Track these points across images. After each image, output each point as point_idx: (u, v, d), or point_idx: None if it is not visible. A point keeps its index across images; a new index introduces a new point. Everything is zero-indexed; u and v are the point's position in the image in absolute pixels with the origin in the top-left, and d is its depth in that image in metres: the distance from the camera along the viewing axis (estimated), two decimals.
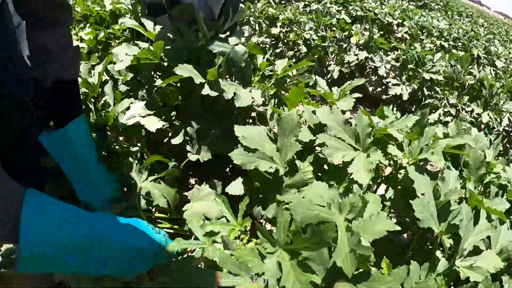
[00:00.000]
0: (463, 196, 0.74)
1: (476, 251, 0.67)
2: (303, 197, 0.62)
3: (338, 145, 0.71)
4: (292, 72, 1.22)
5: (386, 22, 2.48)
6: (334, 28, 2.23)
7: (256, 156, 0.71)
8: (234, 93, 0.83)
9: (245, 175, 0.79)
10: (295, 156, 0.75)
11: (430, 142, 0.74)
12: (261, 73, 1.09)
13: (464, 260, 0.64)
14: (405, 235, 0.90)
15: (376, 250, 0.67)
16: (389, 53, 2.26)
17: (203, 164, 0.86)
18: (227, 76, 0.91)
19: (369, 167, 0.65)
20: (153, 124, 0.81)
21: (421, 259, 0.68)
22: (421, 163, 0.83)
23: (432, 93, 2.04)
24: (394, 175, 0.77)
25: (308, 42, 2.08)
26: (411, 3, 7.30)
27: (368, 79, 2.35)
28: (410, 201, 0.61)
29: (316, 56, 2.13)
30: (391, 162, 0.79)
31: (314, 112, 0.79)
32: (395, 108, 2.28)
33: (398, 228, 0.58)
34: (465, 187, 0.73)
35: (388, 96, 2.20)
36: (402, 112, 2.28)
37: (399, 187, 0.75)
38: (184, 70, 0.80)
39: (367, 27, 2.60)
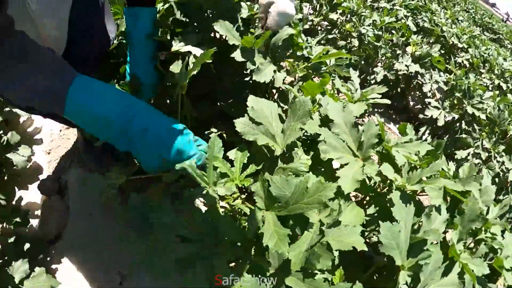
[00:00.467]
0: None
1: None
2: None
3: (338, 145, 0.69)
4: (330, 60, 1.18)
5: (451, 42, 2.33)
6: (393, 31, 2.11)
7: (259, 129, 0.70)
8: (258, 66, 0.81)
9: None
10: (296, 143, 0.73)
11: (433, 175, 0.71)
12: (296, 53, 1.06)
13: None
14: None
15: (342, 259, 0.67)
16: (441, 74, 2.14)
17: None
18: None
19: (358, 178, 0.63)
20: (199, 52, 0.82)
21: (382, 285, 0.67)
22: (418, 192, 0.80)
23: (470, 129, 1.94)
24: (384, 194, 0.75)
25: (362, 37, 1.99)
26: (485, 33, 6.80)
27: (412, 93, 2.25)
28: (380, 222, 0.59)
29: (365, 53, 2.05)
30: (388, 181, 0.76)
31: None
32: (427, 131, 2.19)
33: (365, 248, 0.56)
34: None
35: (425, 116, 2.10)
36: (433, 137, 2.19)
37: (383, 207, 0.73)
38: (223, 27, 0.79)
39: (431, 41, 2.46)
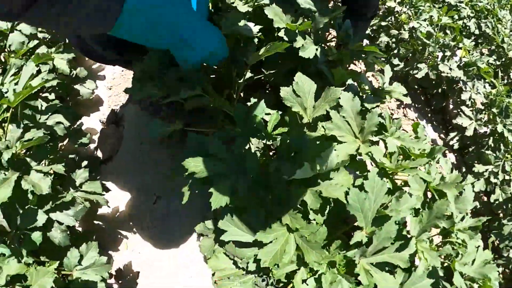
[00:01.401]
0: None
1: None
2: None
3: (342, 126, 0.85)
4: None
5: (509, 56, 2.29)
6: (448, 31, 2.12)
7: (296, 100, 0.90)
8: (302, 45, 0.98)
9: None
10: (321, 118, 0.92)
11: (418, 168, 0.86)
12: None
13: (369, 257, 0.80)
14: None
15: (328, 219, 0.86)
16: (486, 85, 2.15)
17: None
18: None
19: (350, 152, 0.80)
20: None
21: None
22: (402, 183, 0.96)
23: (496, 146, 1.98)
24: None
25: (413, 31, 2.03)
26: None
27: (454, 96, 2.27)
28: (351, 187, 0.76)
29: (413, 48, 2.09)
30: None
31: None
32: (456, 138, 2.23)
33: (345, 201, 0.75)
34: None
35: (457, 123, 2.15)
36: (461, 145, 2.23)
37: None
38: (272, 11, 0.96)
39: (492, 48, 2.42)
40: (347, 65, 1.21)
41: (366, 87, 1.05)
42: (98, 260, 1.13)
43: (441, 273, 1.02)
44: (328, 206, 0.84)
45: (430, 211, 0.83)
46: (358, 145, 0.83)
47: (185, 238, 1.38)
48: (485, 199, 2.32)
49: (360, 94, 1.02)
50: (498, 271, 1.08)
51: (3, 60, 1.44)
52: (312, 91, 0.92)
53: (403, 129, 2.10)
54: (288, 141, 0.83)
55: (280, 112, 0.97)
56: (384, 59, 1.24)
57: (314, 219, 0.79)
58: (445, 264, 1.09)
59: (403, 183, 1.03)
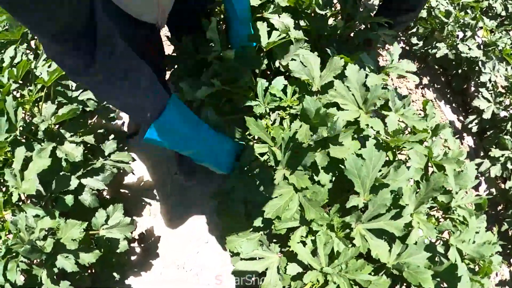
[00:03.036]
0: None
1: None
2: None
3: (346, 95, 0.88)
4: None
5: None
6: (468, 11, 2.03)
7: (304, 71, 0.98)
8: None
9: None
10: (328, 85, 0.96)
11: (416, 144, 0.87)
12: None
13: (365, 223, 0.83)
14: None
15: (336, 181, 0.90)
16: (508, 68, 2.05)
17: None
18: None
19: (349, 119, 0.83)
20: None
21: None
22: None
23: None
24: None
25: (432, 9, 1.96)
26: None
27: (476, 78, 2.19)
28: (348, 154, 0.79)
29: (431, 26, 2.02)
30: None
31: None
32: (475, 121, 2.17)
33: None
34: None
35: (476, 105, 2.08)
36: (479, 128, 2.16)
37: None
38: None
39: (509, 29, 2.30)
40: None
41: (371, 66, 1.06)
42: (123, 220, 1.22)
43: (441, 250, 1.04)
44: (334, 173, 0.88)
45: (427, 183, 0.84)
46: (359, 114, 0.86)
47: (202, 206, 1.46)
48: (503, 186, 2.25)
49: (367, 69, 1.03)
50: (499, 253, 1.07)
51: (34, 46, 1.53)
52: (317, 63, 0.97)
53: (418, 109, 2.06)
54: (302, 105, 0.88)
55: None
56: (393, 35, 1.22)
57: (319, 181, 0.83)
58: (445, 240, 1.10)
59: (407, 158, 1.04)
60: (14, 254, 1.07)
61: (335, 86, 0.88)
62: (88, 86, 0.74)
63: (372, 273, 0.90)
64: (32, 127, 1.31)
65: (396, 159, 0.90)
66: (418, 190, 0.86)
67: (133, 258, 1.43)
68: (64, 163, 1.28)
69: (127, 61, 0.68)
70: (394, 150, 0.91)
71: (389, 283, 0.85)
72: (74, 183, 1.24)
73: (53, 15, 0.51)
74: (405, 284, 1.00)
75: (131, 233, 1.47)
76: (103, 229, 1.23)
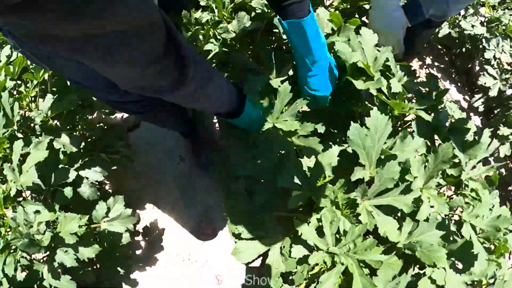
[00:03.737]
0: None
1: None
2: None
3: (359, 52, 0.82)
4: None
5: None
6: None
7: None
8: None
9: None
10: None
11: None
12: None
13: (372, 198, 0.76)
14: None
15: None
16: None
17: None
18: None
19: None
20: None
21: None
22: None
23: None
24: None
25: None
26: None
27: (481, 57, 2.09)
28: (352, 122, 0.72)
29: None
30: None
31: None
32: (481, 100, 2.07)
33: None
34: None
35: (481, 83, 1.99)
36: (486, 107, 2.07)
37: None
38: None
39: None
40: None
41: None
42: (124, 212, 1.16)
43: (453, 228, 0.96)
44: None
45: (435, 155, 0.77)
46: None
47: (206, 197, 1.40)
48: None
49: None
50: None
51: None
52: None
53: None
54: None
55: None
56: None
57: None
58: (457, 218, 1.03)
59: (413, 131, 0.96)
60: (13, 249, 1.02)
61: (351, 40, 0.83)
62: (179, 98, 0.73)
63: (383, 254, 0.83)
64: (30, 122, 1.27)
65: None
66: (426, 163, 0.79)
67: (137, 252, 1.38)
68: (62, 156, 1.24)
69: (205, 64, 0.72)
70: (400, 119, 0.84)
71: (401, 263, 0.78)
72: (72, 175, 1.19)
73: (141, 55, 0.52)
74: (418, 265, 0.94)
75: (135, 226, 1.42)
76: (104, 221, 1.18)
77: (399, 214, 0.86)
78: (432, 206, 0.83)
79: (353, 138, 0.71)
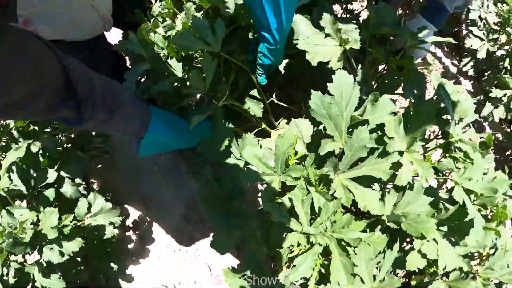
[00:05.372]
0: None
1: None
2: None
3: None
4: None
5: None
6: None
7: None
8: None
9: None
10: None
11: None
12: None
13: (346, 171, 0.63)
14: None
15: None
16: (499, 4, 1.77)
17: None
18: None
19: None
20: None
21: None
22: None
23: None
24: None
25: None
26: None
27: (467, 21, 1.91)
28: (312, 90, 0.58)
29: None
30: None
31: None
32: (470, 63, 1.90)
33: None
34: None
35: (468, 46, 1.81)
36: (475, 71, 1.90)
37: None
38: None
39: None
40: None
41: None
42: (105, 206, 1.09)
43: (446, 197, 0.83)
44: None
45: (417, 111, 0.62)
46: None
47: (191, 185, 1.29)
48: (508, 130, 1.99)
49: None
50: None
51: None
52: None
53: None
54: None
55: None
56: None
57: None
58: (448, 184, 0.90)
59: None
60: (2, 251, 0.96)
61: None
62: (88, 129, 0.76)
63: (368, 230, 0.71)
64: (9, 129, 1.19)
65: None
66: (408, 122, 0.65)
67: (130, 246, 1.29)
68: (42, 159, 1.15)
69: (108, 99, 0.66)
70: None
71: (385, 240, 0.65)
72: (52, 176, 1.11)
73: (36, 92, 0.51)
74: (407, 239, 0.81)
75: (125, 221, 1.33)
76: (87, 218, 1.09)
77: (389, 187, 0.73)
78: (416, 174, 0.70)
79: (315, 108, 0.58)
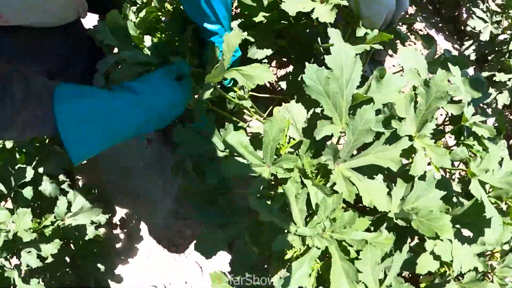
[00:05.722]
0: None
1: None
2: None
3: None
4: None
5: None
6: None
7: None
8: None
9: None
10: None
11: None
12: None
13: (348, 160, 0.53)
14: None
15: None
16: None
17: None
18: None
19: None
20: None
21: None
22: None
23: None
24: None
25: None
26: None
27: (468, 4, 1.79)
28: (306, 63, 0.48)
29: None
30: None
31: None
32: (472, 47, 1.78)
33: None
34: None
35: (470, 28, 1.69)
36: (478, 54, 1.78)
37: None
38: None
39: None
40: None
41: None
42: (85, 204, 1.00)
43: (458, 189, 0.73)
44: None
45: (427, 90, 0.52)
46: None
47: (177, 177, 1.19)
48: None
49: None
50: None
51: None
52: None
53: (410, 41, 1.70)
54: None
55: None
56: None
57: None
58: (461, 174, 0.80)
59: None
60: None
61: None
62: None
63: (372, 229, 0.61)
64: None
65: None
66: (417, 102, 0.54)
67: (118, 245, 1.19)
68: (18, 155, 1.05)
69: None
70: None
71: (392, 239, 0.56)
72: (30, 173, 1.01)
73: None
74: (417, 237, 0.72)
75: (112, 219, 1.23)
76: (68, 217, 1.00)
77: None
78: (429, 163, 0.60)
79: (310, 83, 0.47)
